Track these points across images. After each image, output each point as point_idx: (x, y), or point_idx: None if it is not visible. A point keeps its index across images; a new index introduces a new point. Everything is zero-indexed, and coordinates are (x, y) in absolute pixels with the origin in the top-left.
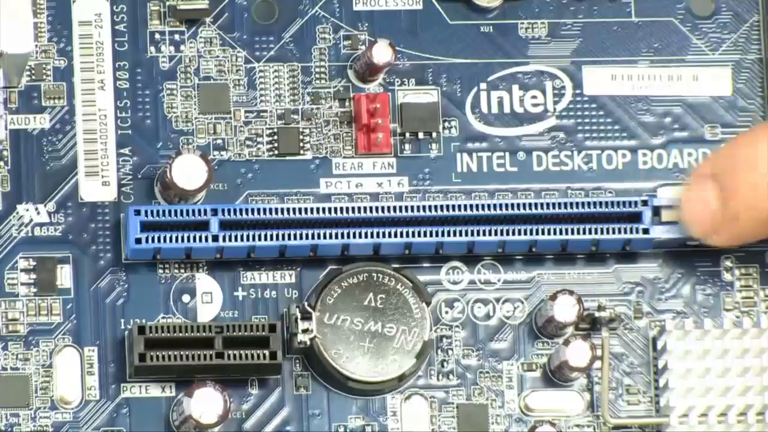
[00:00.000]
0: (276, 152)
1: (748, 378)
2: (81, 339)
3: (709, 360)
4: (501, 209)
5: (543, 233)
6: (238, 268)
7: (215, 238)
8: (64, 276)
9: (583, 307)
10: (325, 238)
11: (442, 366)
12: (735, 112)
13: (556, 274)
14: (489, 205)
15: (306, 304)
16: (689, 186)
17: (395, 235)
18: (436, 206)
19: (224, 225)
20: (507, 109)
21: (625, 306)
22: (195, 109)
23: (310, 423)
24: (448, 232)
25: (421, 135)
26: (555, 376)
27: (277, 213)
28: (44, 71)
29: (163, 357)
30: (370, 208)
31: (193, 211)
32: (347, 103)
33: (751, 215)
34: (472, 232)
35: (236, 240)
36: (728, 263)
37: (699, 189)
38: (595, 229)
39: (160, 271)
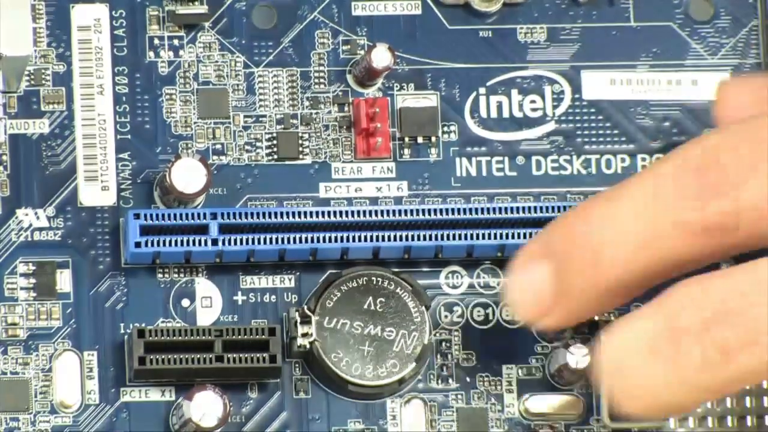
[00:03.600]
0: (275, 157)
1: None
2: (80, 343)
3: None
4: (500, 213)
5: None
6: (237, 272)
7: (215, 242)
8: (64, 280)
9: None
10: (324, 241)
11: (442, 370)
12: None
13: None
14: (488, 209)
15: (305, 307)
16: (517, 267)
17: (394, 239)
18: (435, 210)
19: (223, 229)
20: (506, 114)
21: (624, 310)
22: (194, 113)
23: (310, 427)
24: (448, 236)
25: (420, 139)
26: (555, 380)
27: (276, 217)
28: (43, 76)
29: (163, 360)
30: (370, 211)
31: (193, 215)
32: (346, 108)
33: (587, 293)
34: (472, 236)
35: (236, 244)
36: (725, 266)
37: (529, 270)
38: None
39: (160, 275)
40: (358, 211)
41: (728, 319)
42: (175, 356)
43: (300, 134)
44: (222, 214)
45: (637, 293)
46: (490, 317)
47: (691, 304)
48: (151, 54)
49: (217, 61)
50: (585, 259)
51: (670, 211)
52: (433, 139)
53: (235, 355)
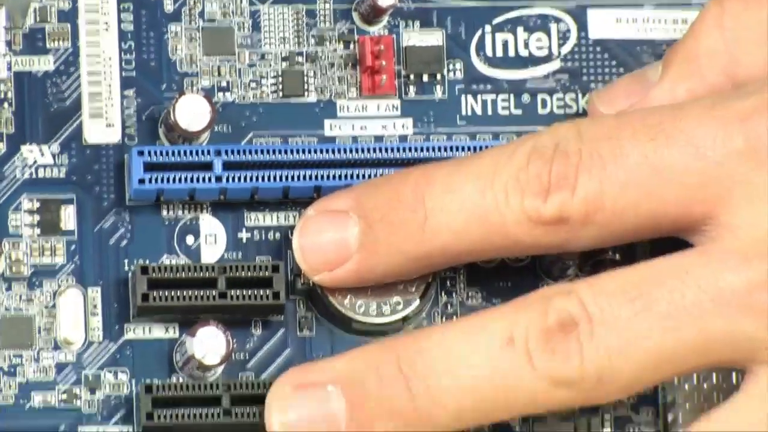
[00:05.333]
0: (280, 94)
1: None
2: (84, 280)
3: None
4: None
5: None
6: (241, 209)
7: (219, 179)
8: (68, 217)
9: None
10: (328, 179)
11: (446, 308)
12: None
13: None
14: (491, 147)
15: None
16: (317, 218)
17: None
18: (440, 147)
19: (227, 166)
20: (512, 52)
21: None
22: (199, 51)
23: None
24: None
25: (425, 77)
26: None
27: (280, 154)
28: (48, 13)
29: (167, 297)
30: (374, 149)
31: (197, 152)
32: (352, 46)
33: (397, 255)
34: None
35: (240, 181)
36: None
37: (335, 222)
38: None
39: (164, 212)
40: (363, 149)
41: None
42: (178, 293)
43: (305, 72)
44: (226, 151)
45: (442, 267)
46: None
47: None
48: None
49: None
50: (415, 219)
51: (511, 194)
52: (439, 77)
53: (238, 292)
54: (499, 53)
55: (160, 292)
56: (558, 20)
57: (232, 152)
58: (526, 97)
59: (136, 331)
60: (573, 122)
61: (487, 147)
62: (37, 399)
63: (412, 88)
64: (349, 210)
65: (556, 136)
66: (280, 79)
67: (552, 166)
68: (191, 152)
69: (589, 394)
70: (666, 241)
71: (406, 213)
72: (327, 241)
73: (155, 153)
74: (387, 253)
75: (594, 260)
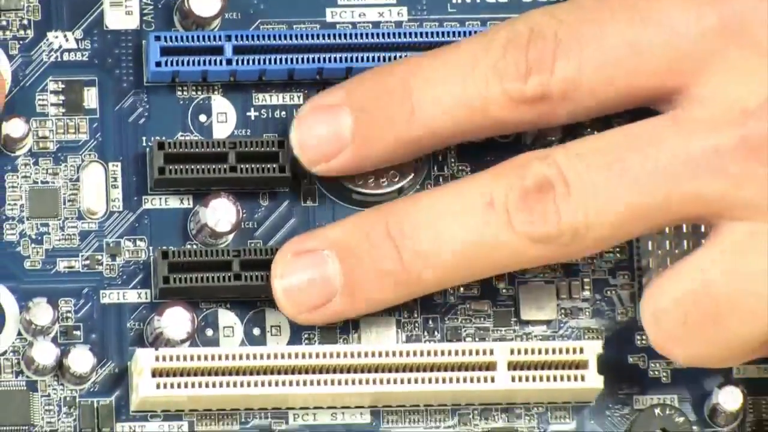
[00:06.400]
0: None
1: None
2: (106, 155)
3: None
4: None
5: None
6: (250, 90)
7: (229, 62)
8: (91, 97)
9: None
10: (329, 61)
11: (439, 181)
12: None
13: None
14: (478, 32)
15: None
16: (312, 110)
17: (394, 59)
18: (431, 33)
19: (237, 50)
20: None
21: None
22: None
23: None
24: None
25: None
26: None
27: (286, 39)
28: None
29: (181, 170)
30: (371, 34)
31: (209, 37)
32: None
33: (390, 141)
34: None
35: (248, 64)
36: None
37: (329, 114)
38: None
39: (179, 92)
40: (361, 34)
41: None
42: (192, 167)
43: None
44: (236, 37)
45: (433, 149)
46: None
47: None
48: None
49: None
50: (403, 110)
51: (495, 78)
52: None
53: (247, 166)
54: None
55: (176, 166)
56: None
57: (242, 37)
58: None
59: (153, 202)
60: (547, 7)
61: (475, 33)
62: (62, 264)
63: None
64: (341, 104)
65: (530, 21)
66: None
67: (528, 53)
68: (204, 37)
69: (565, 249)
70: (640, 116)
71: (394, 105)
72: (322, 134)
73: (171, 38)
74: (380, 141)
75: (574, 134)
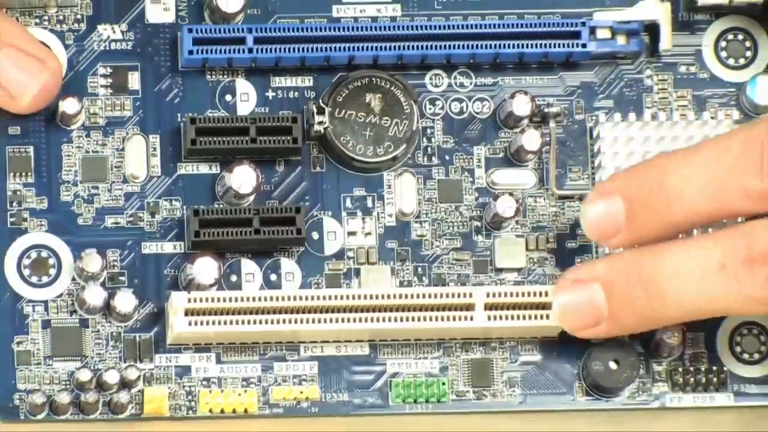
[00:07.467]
0: None
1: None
2: (146, 128)
3: (632, 145)
4: (471, 29)
5: (505, 47)
6: (268, 74)
7: (250, 51)
8: (134, 80)
9: (535, 104)
10: (335, 50)
11: (427, 150)
12: None
13: (515, 79)
14: (462, 25)
15: (321, 101)
16: (594, 199)
17: (390, 49)
18: (421, 26)
19: (257, 40)
20: None
21: (568, 104)
22: None
23: (324, 194)
24: (431, 46)
25: None
26: (513, 158)
27: (298, 31)
28: None
29: (210, 142)
30: (371, 27)
31: (234, 29)
32: None
33: (654, 226)
34: (450, 46)
35: (267, 52)
36: (648, 71)
37: (606, 202)
38: (546, 44)
39: (208, 76)
40: (362, 27)
41: None
42: (219, 138)
43: None
44: (256, 29)
45: (692, 230)
46: (464, 110)
47: None
48: None
49: None
50: (660, 200)
51: (736, 175)
52: None
53: (265, 138)
54: None
55: (205, 138)
56: None
57: (261, 30)
58: None
59: (186, 168)
60: None
61: (459, 26)
62: (109, 221)
63: None
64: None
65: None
66: None
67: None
68: (229, 30)
69: None
70: None
71: (653, 195)
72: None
73: (201, 30)
74: (642, 226)
75: (542, 113)
